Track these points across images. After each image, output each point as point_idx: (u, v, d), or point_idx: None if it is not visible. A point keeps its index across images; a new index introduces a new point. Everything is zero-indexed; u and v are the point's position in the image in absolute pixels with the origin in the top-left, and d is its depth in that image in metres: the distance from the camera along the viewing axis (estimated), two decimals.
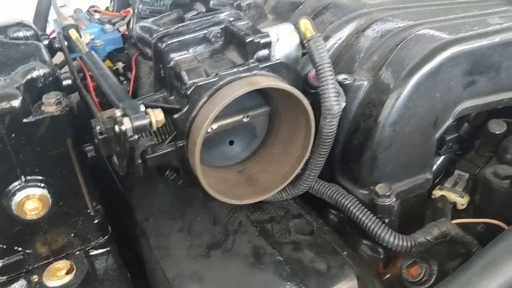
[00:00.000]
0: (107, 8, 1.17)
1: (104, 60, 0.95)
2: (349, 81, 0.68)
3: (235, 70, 0.59)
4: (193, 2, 0.81)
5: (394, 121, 0.66)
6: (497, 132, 0.68)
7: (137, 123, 0.51)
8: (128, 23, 1.00)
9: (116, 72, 0.89)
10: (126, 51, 0.89)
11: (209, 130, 0.64)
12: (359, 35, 0.74)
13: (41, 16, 1.23)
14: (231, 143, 0.70)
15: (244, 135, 0.71)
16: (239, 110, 0.66)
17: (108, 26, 0.97)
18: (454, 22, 0.70)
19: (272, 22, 0.87)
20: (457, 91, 0.67)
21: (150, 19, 0.77)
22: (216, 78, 0.58)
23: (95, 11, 1.11)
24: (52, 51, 0.83)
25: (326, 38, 0.76)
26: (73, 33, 0.80)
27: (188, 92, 0.58)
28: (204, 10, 0.80)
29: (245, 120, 0.67)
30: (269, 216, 0.71)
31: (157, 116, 0.54)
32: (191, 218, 0.71)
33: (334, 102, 0.62)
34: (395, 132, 0.66)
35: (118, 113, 0.53)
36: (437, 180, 0.79)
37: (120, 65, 0.90)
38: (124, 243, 0.80)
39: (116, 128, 0.52)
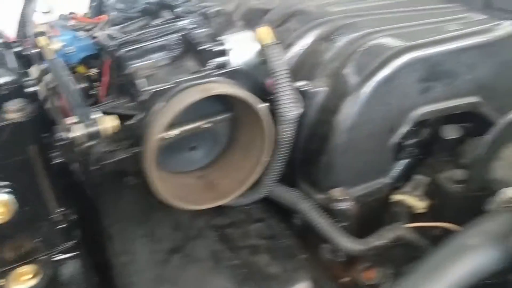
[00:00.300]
0: (85, 14, 1.18)
1: (74, 67, 0.96)
2: (308, 88, 0.69)
3: (190, 77, 0.60)
4: (161, 10, 0.82)
5: (350, 127, 0.67)
6: (451, 138, 0.70)
7: (87, 130, 0.52)
8: (102, 30, 1.01)
9: (88, 78, 0.90)
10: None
11: (171, 136, 0.65)
12: (321, 42, 0.75)
13: (25, 21, 1.25)
14: (193, 148, 0.72)
15: (206, 141, 0.72)
16: (201, 116, 0.67)
17: (81, 33, 0.98)
18: (412, 29, 0.71)
19: (241, 29, 0.88)
20: (413, 97, 0.69)
21: (117, 27, 0.78)
22: (171, 85, 0.60)
23: (73, 18, 1.13)
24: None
25: (290, 45, 0.77)
26: (41, 40, 0.82)
27: (144, 99, 0.59)
28: (171, 17, 0.81)
29: (206, 126, 0.68)
30: (230, 220, 0.72)
31: (108, 123, 0.56)
32: (154, 223, 0.73)
33: (290, 109, 0.63)
34: (351, 138, 0.68)
35: (72, 120, 0.55)
36: (399, 184, 0.80)
37: (93, 71, 0.92)
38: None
39: (69, 134, 0.54)
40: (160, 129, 0.59)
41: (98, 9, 1.11)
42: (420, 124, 0.75)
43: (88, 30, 1.00)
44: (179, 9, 0.80)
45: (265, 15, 0.88)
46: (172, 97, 0.60)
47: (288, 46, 0.77)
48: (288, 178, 0.74)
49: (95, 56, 0.98)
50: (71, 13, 1.17)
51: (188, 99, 0.58)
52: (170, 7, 0.81)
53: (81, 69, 1.01)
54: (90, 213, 0.83)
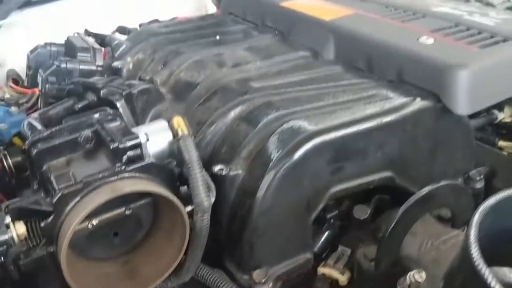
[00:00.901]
0: (22, 83, 1.19)
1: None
2: (225, 172, 0.71)
3: (100, 175, 0.61)
4: (86, 91, 0.83)
5: (266, 210, 0.69)
6: (361, 219, 0.73)
7: None
8: (35, 104, 1.02)
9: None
10: None
11: (88, 227, 0.66)
12: (239, 122, 0.77)
13: None
14: (116, 234, 0.72)
15: (128, 226, 0.73)
16: (121, 203, 0.68)
17: (13, 109, 0.99)
18: (322, 110, 0.74)
19: (169, 102, 0.90)
20: (325, 177, 0.72)
21: (37, 113, 0.79)
22: (81, 186, 0.61)
23: (11, 86, 1.13)
24: None
25: (211, 124, 0.79)
26: None
27: (54, 200, 0.60)
28: (95, 98, 0.82)
29: (127, 212, 0.69)
30: None
31: (18, 230, 0.56)
32: None
33: (204, 198, 0.65)
34: (269, 220, 0.70)
35: None
36: (324, 255, 0.82)
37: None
38: None
39: None
40: (73, 228, 0.59)
41: (34, 78, 1.11)
42: (339, 198, 0.78)
43: (20, 105, 1.00)
44: (103, 91, 0.82)
45: (192, 88, 0.90)
46: (83, 197, 0.61)
47: (209, 125, 0.79)
48: (217, 258, 0.76)
49: None
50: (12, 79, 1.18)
51: (98, 199, 0.59)
52: (94, 89, 0.82)
53: (16, 140, 1.01)
54: None
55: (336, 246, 0.82)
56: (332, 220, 0.79)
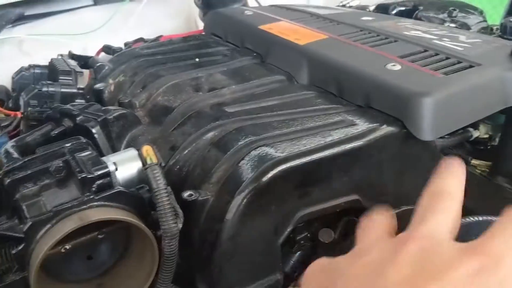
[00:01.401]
0: (5, 105, 1.21)
1: None
2: (194, 198, 0.73)
3: (70, 205, 0.64)
4: (62, 117, 0.86)
5: (234, 234, 0.71)
6: (326, 242, 0.75)
7: None
8: (17, 127, 1.05)
9: None
10: None
11: (63, 250, 0.68)
12: (211, 148, 0.80)
13: None
14: (90, 257, 0.75)
15: (102, 250, 0.75)
16: (95, 228, 0.70)
17: None
18: (289, 137, 0.76)
19: (146, 127, 0.93)
20: (292, 202, 0.74)
21: (14, 140, 0.81)
22: (50, 215, 0.63)
23: None
24: None
25: (184, 149, 0.82)
26: None
27: (24, 229, 0.62)
28: (71, 125, 0.85)
29: (100, 236, 0.71)
30: None
31: None
32: None
33: (172, 225, 0.67)
34: (236, 244, 0.72)
35: None
36: (296, 274, 0.84)
37: None
38: None
39: None
40: (42, 255, 0.61)
41: (17, 100, 1.14)
42: (308, 220, 0.80)
43: (2, 128, 1.03)
44: (79, 118, 0.85)
45: (168, 112, 0.92)
46: (53, 225, 0.63)
47: (182, 150, 0.82)
48: (190, 280, 0.78)
49: None
50: None
51: (66, 227, 0.62)
52: (70, 116, 0.85)
53: None
54: None
55: (306, 266, 0.84)
56: (302, 242, 0.82)
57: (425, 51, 0.97)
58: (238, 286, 0.75)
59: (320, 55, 0.98)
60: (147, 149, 0.70)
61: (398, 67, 0.88)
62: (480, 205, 0.97)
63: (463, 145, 1.26)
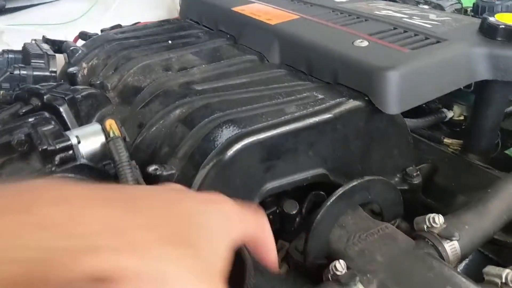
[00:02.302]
0: None
1: None
2: (159, 172, 0.74)
3: (32, 175, 0.64)
4: (30, 96, 0.86)
5: None
6: (291, 213, 0.76)
7: None
8: None
9: None
10: None
11: None
12: (178, 124, 0.80)
13: None
14: None
15: None
16: None
17: None
18: (255, 112, 0.77)
19: (115, 106, 0.93)
20: (258, 175, 0.74)
21: None
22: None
23: None
24: None
25: (151, 126, 0.82)
26: None
27: None
28: (39, 103, 0.85)
29: None
30: None
31: None
32: None
33: None
34: None
35: None
36: None
37: None
38: None
39: None
40: None
41: None
42: (276, 194, 0.81)
43: None
44: (46, 96, 0.84)
45: (137, 92, 0.92)
46: None
47: (149, 127, 0.82)
48: None
49: None
50: None
51: None
52: (38, 95, 0.85)
53: None
54: None
55: (276, 240, 0.84)
56: (271, 217, 0.82)
57: (394, 28, 0.97)
58: None
59: (290, 34, 0.98)
60: (110, 123, 0.70)
61: (365, 43, 0.89)
62: (452, 181, 0.99)
63: (438, 127, 1.28)
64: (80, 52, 1.14)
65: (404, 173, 0.90)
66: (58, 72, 1.13)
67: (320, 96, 0.81)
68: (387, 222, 0.77)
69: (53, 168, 0.65)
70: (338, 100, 0.80)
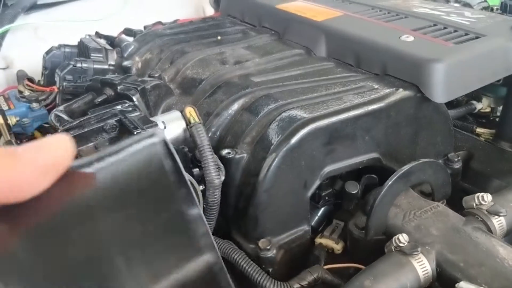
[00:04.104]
0: (38, 82, 1.28)
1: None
2: (232, 155, 0.81)
3: None
4: (104, 87, 0.93)
5: (268, 188, 0.79)
6: (353, 192, 0.83)
7: None
8: (54, 100, 1.12)
9: None
10: None
11: None
12: (243, 113, 0.87)
13: None
14: None
15: None
16: None
17: (34, 105, 1.08)
18: (315, 100, 0.84)
19: (178, 97, 1.00)
20: (320, 158, 0.82)
21: (62, 106, 0.88)
22: None
23: (27, 84, 1.23)
24: None
25: (217, 115, 0.89)
26: None
27: None
28: (112, 93, 0.92)
29: None
30: None
31: None
32: None
33: (215, 177, 0.75)
34: (270, 196, 0.80)
35: None
36: (321, 228, 0.92)
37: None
38: None
39: None
40: None
41: (50, 77, 1.21)
42: (332, 177, 0.88)
43: (40, 101, 1.10)
44: (120, 87, 0.92)
45: (197, 84, 1.00)
46: None
47: (216, 115, 0.89)
48: (225, 232, 0.85)
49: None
50: (27, 79, 1.27)
51: None
52: (111, 85, 0.92)
53: (37, 133, 1.11)
54: None
55: (331, 220, 0.92)
56: (327, 198, 0.90)
57: (435, 25, 1.04)
58: (270, 235, 0.82)
59: (337, 29, 1.05)
60: (190, 110, 0.78)
61: (411, 38, 0.96)
62: (487, 166, 1.06)
63: (466, 118, 1.35)
64: (132, 47, 1.21)
65: (446, 159, 0.97)
66: None
67: (374, 86, 0.88)
68: (437, 201, 0.84)
69: None
70: (391, 89, 0.87)
